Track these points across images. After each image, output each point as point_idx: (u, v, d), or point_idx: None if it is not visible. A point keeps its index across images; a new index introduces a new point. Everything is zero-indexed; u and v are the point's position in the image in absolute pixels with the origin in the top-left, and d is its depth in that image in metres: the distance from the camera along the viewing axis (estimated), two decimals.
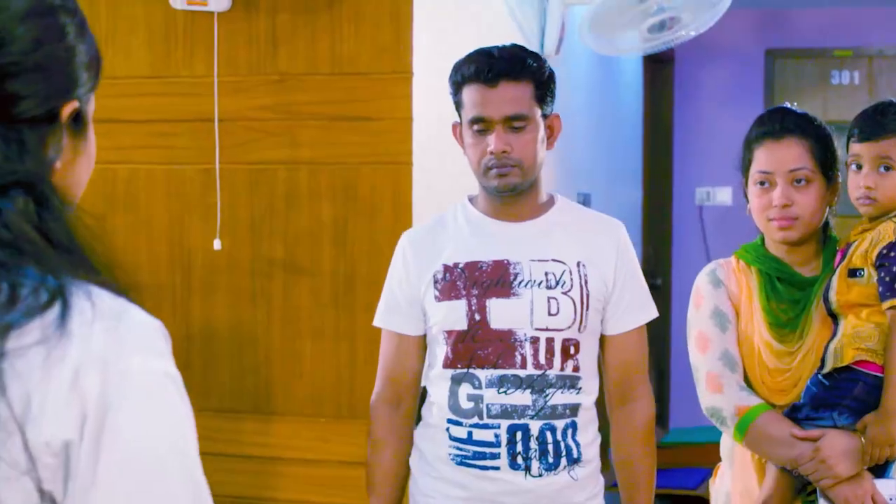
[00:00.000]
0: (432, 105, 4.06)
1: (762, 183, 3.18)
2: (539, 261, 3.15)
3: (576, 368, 3.15)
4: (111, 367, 1.30)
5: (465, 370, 3.14)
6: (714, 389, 3.17)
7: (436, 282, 3.19)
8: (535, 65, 3.13)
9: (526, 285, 3.13)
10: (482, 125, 3.11)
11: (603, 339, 3.25)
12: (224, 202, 4.12)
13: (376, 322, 3.34)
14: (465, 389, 3.16)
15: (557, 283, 3.14)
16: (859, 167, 3.10)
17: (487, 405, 3.12)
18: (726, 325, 3.21)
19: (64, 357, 1.27)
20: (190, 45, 4.17)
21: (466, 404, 3.15)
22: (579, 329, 3.15)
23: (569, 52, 5.79)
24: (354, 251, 4.03)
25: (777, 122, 3.20)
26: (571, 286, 3.14)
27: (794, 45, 9.01)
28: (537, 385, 3.11)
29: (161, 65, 4.20)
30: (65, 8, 1.44)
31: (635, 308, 3.25)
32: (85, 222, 1.39)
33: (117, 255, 1.45)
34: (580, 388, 3.16)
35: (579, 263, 3.17)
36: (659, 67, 8.82)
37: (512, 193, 3.15)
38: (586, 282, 3.15)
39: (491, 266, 3.15)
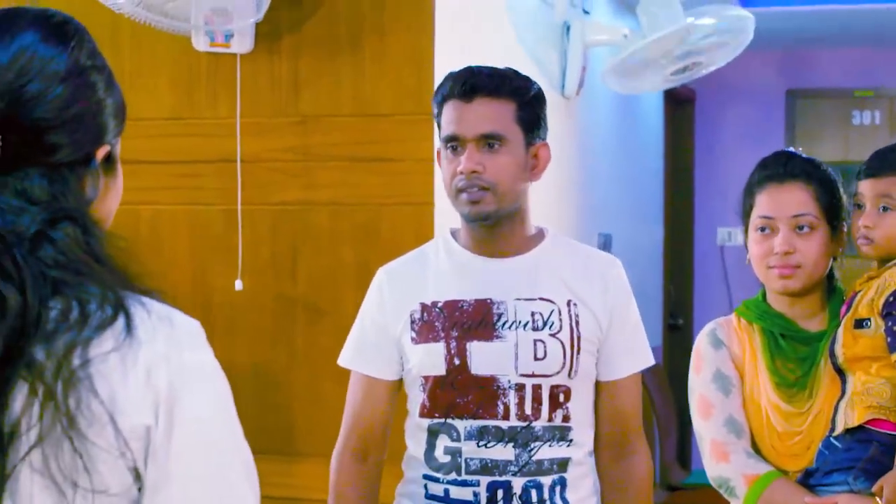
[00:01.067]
0: None
1: (763, 229, 3.02)
2: (525, 300, 2.87)
3: (566, 418, 2.87)
4: (173, 363, 1.58)
5: (442, 420, 2.86)
6: (720, 458, 2.98)
7: (413, 322, 2.91)
8: (519, 83, 2.89)
9: (510, 327, 2.85)
10: (455, 143, 2.86)
11: (596, 387, 2.97)
12: (246, 243, 4.14)
13: (342, 361, 3.09)
14: (442, 441, 2.87)
15: (545, 324, 2.85)
16: (860, 206, 2.99)
17: (466, 459, 2.84)
18: (730, 389, 3.02)
19: (136, 359, 1.56)
20: (213, 87, 4.19)
21: (443, 458, 2.87)
22: (569, 374, 2.86)
23: (590, 92, 5.80)
24: None
25: (781, 166, 3.07)
26: (561, 327, 2.86)
27: (815, 85, 9.02)
28: (521, 438, 2.83)
29: (184, 106, 4.23)
30: (95, 67, 1.70)
31: (630, 353, 2.97)
32: (118, 245, 1.66)
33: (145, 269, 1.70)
34: (571, 440, 2.87)
35: (570, 303, 2.88)
36: (680, 107, 8.83)
37: (487, 223, 2.87)
38: (577, 322, 2.87)
39: (472, 306, 2.87)
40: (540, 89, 2.95)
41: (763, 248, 3.01)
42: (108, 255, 1.63)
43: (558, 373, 2.85)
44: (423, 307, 2.90)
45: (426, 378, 2.88)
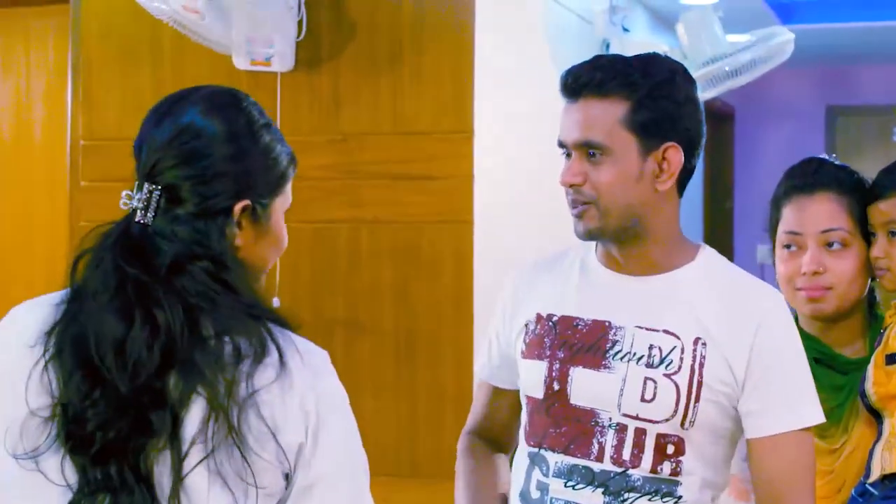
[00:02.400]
0: (494, 164, 4.07)
1: (789, 246, 2.69)
2: (647, 329, 2.43)
3: (675, 472, 2.41)
4: (318, 389, 1.93)
5: (536, 449, 2.50)
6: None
7: (526, 333, 2.56)
8: (634, 77, 2.40)
9: (623, 358, 2.43)
10: (563, 149, 2.47)
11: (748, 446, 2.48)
12: (285, 260, 4.14)
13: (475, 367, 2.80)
14: (535, 475, 2.51)
15: (662, 361, 2.41)
16: (874, 235, 2.67)
17: (552, 498, 2.47)
18: None
19: (292, 386, 1.89)
20: None
21: (535, 493, 2.51)
22: (683, 424, 2.39)
23: None
24: (416, 309, 4.04)
25: (809, 175, 2.70)
26: (679, 368, 2.39)
27: (854, 101, 9.00)
28: (613, 485, 2.41)
29: None
30: (235, 139, 2.00)
31: (780, 407, 2.41)
32: (252, 281, 1.99)
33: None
34: (679, 498, 2.42)
35: (698, 340, 2.40)
36: (720, 124, 8.82)
37: (599, 241, 2.50)
38: (702, 365, 2.39)
39: (588, 326, 2.47)
40: (673, 78, 2.46)
41: (789, 267, 2.69)
42: (242, 287, 1.92)
43: (667, 420, 2.40)
44: (539, 318, 2.54)
45: (528, 399, 2.55)
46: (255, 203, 1.99)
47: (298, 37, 4.09)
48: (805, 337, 2.55)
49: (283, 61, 4.06)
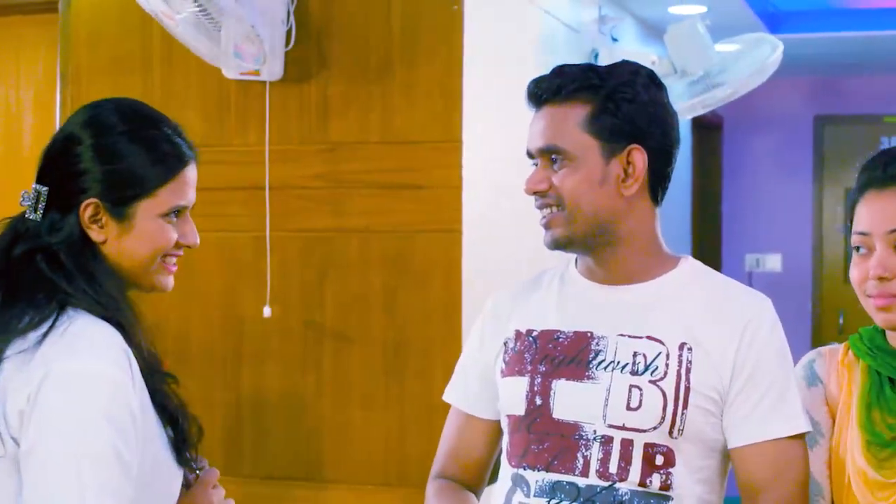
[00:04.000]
0: (483, 173, 4.08)
1: (858, 248, 2.35)
2: (630, 337, 2.35)
3: (665, 486, 2.29)
4: (58, 366, 2.01)
5: (517, 470, 2.39)
6: None
7: (505, 351, 2.47)
8: (594, 80, 2.36)
9: (606, 367, 2.33)
10: (532, 160, 2.44)
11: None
12: (275, 270, 4.15)
13: (445, 395, 2.65)
14: (516, 497, 2.38)
15: (647, 368, 2.31)
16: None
17: None
18: (815, 440, 2.39)
19: (33, 359, 2.02)
20: (242, 115, 4.21)
21: None
22: (671, 432, 2.29)
23: None
24: (405, 319, 4.04)
25: (879, 169, 2.38)
26: (665, 374, 2.30)
27: (843, 111, 9.01)
28: (600, 501, 2.29)
29: (213, 134, 4.25)
30: (78, 140, 2.17)
31: (765, 415, 2.31)
32: (120, 270, 2.19)
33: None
34: None
35: (683, 346, 2.32)
36: (708, 133, 8.83)
37: (570, 251, 2.43)
38: (688, 370, 2.30)
39: (570, 338, 2.38)
40: (634, 80, 2.39)
41: (860, 271, 2.34)
42: (80, 274, 2.12)
43: (654, 428, 2.29)
44: (518, 335, 2.46)
45: (509, 418, 2.43)
46: (105, 203, 2.15)
47: (287, 46, 4.09)
48: (886, 352, 2.34)
49: (271, 71, 4.06)
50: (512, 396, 2.41)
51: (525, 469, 2.36)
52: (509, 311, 2.51)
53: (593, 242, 2.39)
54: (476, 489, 2.57)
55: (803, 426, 2.33)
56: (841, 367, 2.41)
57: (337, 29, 4.12)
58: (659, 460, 2.30)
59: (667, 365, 2.31)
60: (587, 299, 2.43)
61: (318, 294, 4.14)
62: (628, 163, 2.36)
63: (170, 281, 2.30)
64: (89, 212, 2.15)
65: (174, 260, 2.28)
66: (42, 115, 5.17)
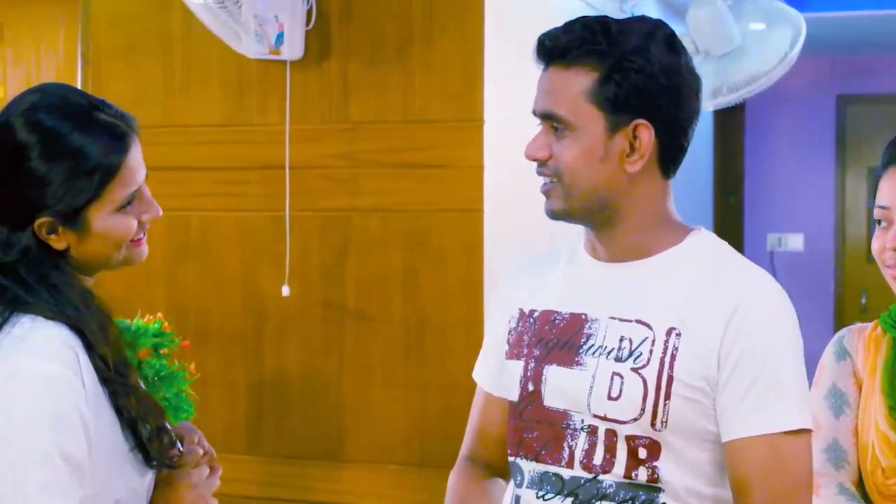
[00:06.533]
0: (503, 152, 4.07)
1: (879, 222, 2.38)
2: (620, 320, 2.18)
3: (653, 479, 2.13)
4: None
5: (513, 458, 2.28)
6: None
7: (510, 331, 2.34)
8: (604, 45, 2.14)
9: (594, 352, 2.18)
10: (537, 119, 2.25)
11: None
12: (294, 249, 4.15)
13: (473, 372, 2.52)
14: (511, 487, 2.30)
15: (630, 354, 2.15)
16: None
17: None
18: (842, 409, 2.41)
19: None
20: (262, 94, 4.21)
21: None
22: (653, 424, 2.12)
23: None
24: (425, 298, 4.04)
25: None
26: (648, 361, 2.13)
27: (865, 91, 8.97)
28: (583, 494, 2.17)
29: (234, 113, 4.24)
30: (24, 155, 2.07)
31: (754, 407, 2.10)
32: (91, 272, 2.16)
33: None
34: None
35: (671, 331, 2.13)
36: (729, 114, 8.79)
37: (568, 221, 2.26)
38: (673, 357, 2.12)
39: (566, 320, 2.24)
40: (647, 46, 2.15)
41: (880, 243, 2.38)
42: (37, 284, 2.09)
43: (635, 419, 2.13)
44: (521, 314, 2.33)
45: (509, 403, 2.31)
46: (57, 219, 2.09)
47: (308, 25, 4.09)
48: None
49: (292, 50, 4.06)
50: (509, 381, 2.29)
51: (520, 458, 2.25)
52: (517, 285, 2.38)
53: (592, 218, 2.22)
54: (504, 468, 2.38)
55: (799, 422, 2.10)
56: (868, 341, 2.43)
57: (357, 8, 4.11)
58: (642, 453, 2.13)
59: (650, 351, 2.13)
60: (586, 278, 2.27)
61: (339, 274, 4.14)
62: (634, 137, 2.15)
63: (143, 251, 2.22)
64: (44, 228, 2.10)
65: (141, 233, 2.21)
66: None
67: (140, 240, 2.20)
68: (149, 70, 4.33)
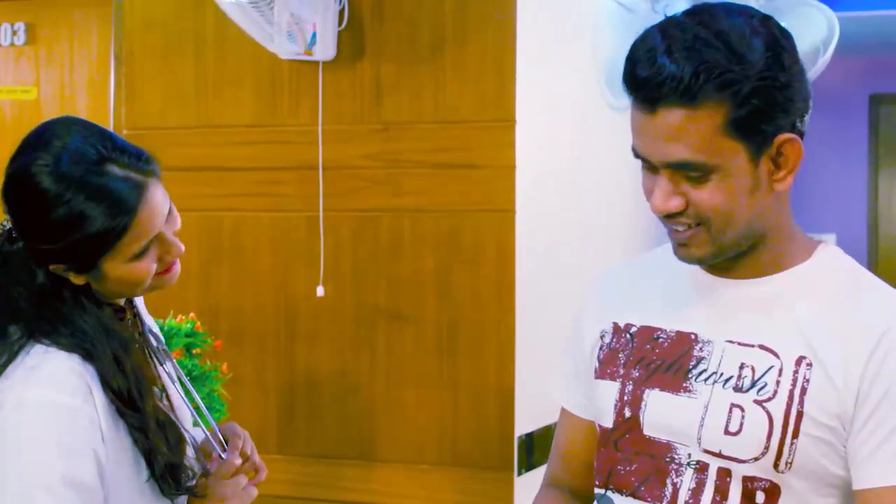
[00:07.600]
0: (536, 153, 4.07)
1: None
2: (739, 344, 1.95)
3: None
4: (6, 395, 2.03)
5: (603, 490, 2.07)
6: None
7: (601, 347, 2.13)
8: (729, 74, 1.82)
9: (707, 379, 1.95)
10: (644, 162, 1.96)
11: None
12: (328, 250, 4.15)
13: (551, 391, 2.34)
14: None
15: (753, 384, 1.91)
16: None
17: None
18: None
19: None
20: (295, 95, 4.21)
21: None
22: (777, 465, 1.88)
23: None
24: (458, 299, 4.03)
25: None
26: (775, 394, 1.89)
27: None
28: None
29: (266, 114, 4.25)
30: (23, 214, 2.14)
31: (893, 452, 1.85)
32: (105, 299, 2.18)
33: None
34: None
35: (801, 360, 1.90)
36: None
37: (708, 263, 2.01)
38: (803, 391, 1.88)
39: (671, 340, 2.02)
40: (777, 53, 1.87)
41: None
42: (49, 313, 2.11)
43: (755, 459, 1.89)
44: (616, 329, 2.11)
45: (599, 428, 2.11)
46: (71, 266, 2.12)
47: (340, 26, 4.09)
48: None
49: (324, 50, 4.06)
50: (601, 404, 2.08)
51: (612, 491, 2.05)
52: (609, 297, 2.17)
53: (738, 250, 1.98)
54: (591, 494, 2.16)
55: None
56: None
57: (389, 8, 4.11)
58: (759, 497, 1.90)
59: (777, 382, 1.90)
60: (698, 293, 2.04)
61: (372, 274, 4.14)
62: (779, 153, 1.91)
63: (172, 276, 2.22)
64: (60, 270, 2.13)
65: (166, 265, 2.20)
66: (95, 96, 5.20)
67: (167, 268, 2.20)
68: (182, 71, 4.34)
